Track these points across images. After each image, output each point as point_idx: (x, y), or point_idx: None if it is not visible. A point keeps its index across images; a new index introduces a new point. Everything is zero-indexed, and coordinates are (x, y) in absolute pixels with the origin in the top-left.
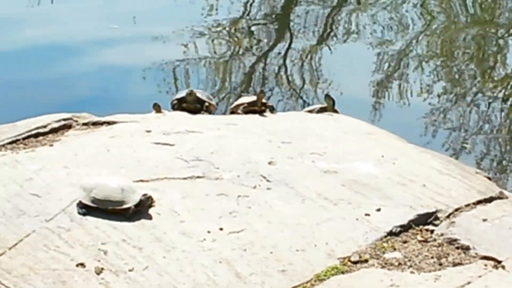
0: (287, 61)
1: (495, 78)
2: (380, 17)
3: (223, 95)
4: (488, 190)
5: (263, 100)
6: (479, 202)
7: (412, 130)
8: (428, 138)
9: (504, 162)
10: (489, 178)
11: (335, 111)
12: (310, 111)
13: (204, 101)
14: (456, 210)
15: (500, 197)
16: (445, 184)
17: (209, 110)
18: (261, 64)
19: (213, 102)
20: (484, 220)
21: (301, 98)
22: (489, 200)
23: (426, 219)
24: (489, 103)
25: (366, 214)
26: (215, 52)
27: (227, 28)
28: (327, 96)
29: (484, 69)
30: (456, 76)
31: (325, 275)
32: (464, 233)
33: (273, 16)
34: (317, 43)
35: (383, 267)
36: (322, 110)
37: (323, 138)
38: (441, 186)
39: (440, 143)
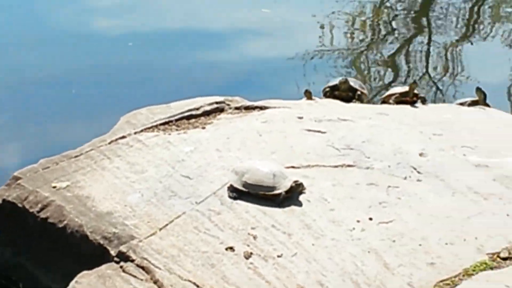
0: (431, 53)
1: None
2: None
3: (369, 83)
4: None
5: (415, 91)
6: None
7: None
8: None
9: None
10: None
11: (487, 105)
12: (461, 104)
13: (357, 90)
14: None
15: None
16: None
17: (361, 98)
18: (406, 56)
19: (365, 91)
20: None
21: (447, 91)
22: None
23: None
24: None
25: None
26: (359, 41)
27: (369, 18)
28: (479, 89)
29: None
30: None
31: (473, 270)
32: None
33: (414, 7)
34: (460, 36)
35: None
36: (473, 103)
37: (475, 131)
38: None
39: None
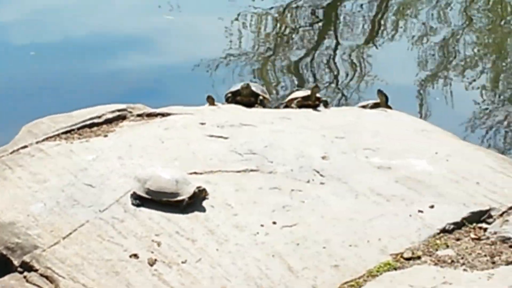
0: (337, 57)
1: None
2: (425, 12)
3: (275, 89)
4: None
5: (317, 95)
6: None
7: (466, 127)
8: (482, 135)
9: None
10: None
11: (389, 107)
12: (363, 107)
13: (259, 95)
14: (510, 208)
15: None
16: (499, 182)
17: (263, 103)
18: (311, 59)
19: (268, 96)
20: None
21: (351, 94)
22: None
23: (479, 217)
24: None
25: (419, 211)
26: (265, 46)
27: (276, 22)
28: (380, 91)
29: None
30: (508, 70)
31: (377, 271)
32: None
33: (319, 12)
34: (364, 40)
35: (435, 264)
36: (375, 105)
37: (377, 133)
38: (495, 184)
39: (495, 140)
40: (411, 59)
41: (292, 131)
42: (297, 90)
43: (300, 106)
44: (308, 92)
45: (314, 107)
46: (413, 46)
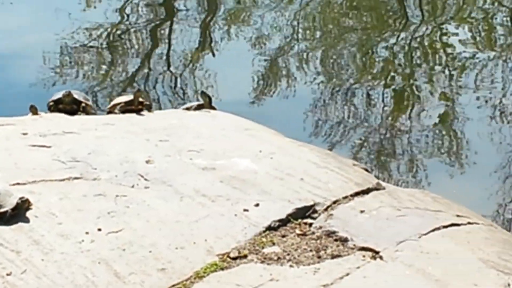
0: (167, 62)
1: (374, 72)
2: (259, 17)
3: (102, 94)
4: (366, 181)
5: (140, 99)
6: (357, 194)
7: (293, 124)
8: (309, 132)
9: (381, 154)
10: (367, 170)
11: (213, 108)
12: (187, 109)
13: (81, 102)
14: (334, 202)
15: (377, 188)
16: (322, 177)
17: (86, 110)
18: (142, 65)
19: (90, 103)
20: (362, 211)
21: (181, 97)
22: (367, 191)
23: (304, 212)
24: (367, 96)
25: (245, 210)
26: (94, 53)
27: (105, 28)
28: (203, 93)
29: (363, 62)
30: (335, 71)
31: (204, 272)
32: (342, 225)
33: (153, 17)
34: (198, 45)
35: (262, 262)
36: (199, 107)
37: (200, 135)
38: (319, 179)
39: (320, 136)
40: (246, 62)
41: (116, 136)
42: (120, 95)
43: (124, 111)
44: (131, 97)
45: (138, 111)
46: (249, 50)
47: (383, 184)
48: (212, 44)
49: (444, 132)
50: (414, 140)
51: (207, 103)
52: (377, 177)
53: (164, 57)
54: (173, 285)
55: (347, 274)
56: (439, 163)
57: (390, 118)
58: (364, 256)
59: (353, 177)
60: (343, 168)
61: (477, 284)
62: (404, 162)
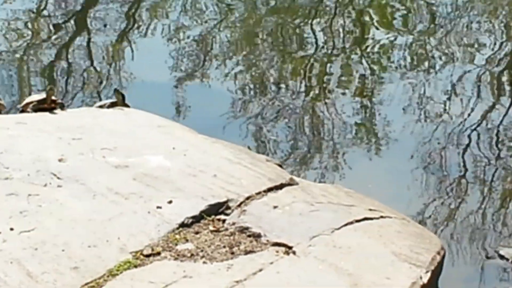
0: (84, 57)
1: (294, 67)
2: (177, 8)
3: (17, 93)
4: (279, 177)
5: (53, 97)
6: (270, 189)
7: (211, 121)
8: (222, 128)
9: (295, 149)
10: (280, 166)
11: (126, 105)
12: (101, 106)
13: None
14: (247, 198)
15: (291, 183)
16: (236, 173)
17: None
18: (57, 61)
19: (3, 102)
20: (275, 207)
21: (98, 94)
22: (280, 187)
23: (218, 209)
24: (286, 92)
25: (158, 207)
26: (9, 46)
27: (23, 21)
28: (116, 90)
29: (283, 57)
30: (255, 66)
31: (117, 270)
32: (255, 221)
33: (72, 10)
34: (116, 38)
35: (175, 259)
36: (112, 105)
37: (114, 133)
38: (232, 176)
39: (234, 132)
40: (167, 56)
41: (29, 135)
42: (33, 93)
43: (36, 110)
44: (43, 95)
45: (51, 110)
46: (168, 43)
47: (297, 179)
48: (132, 37)
49: (359, 126)
50: (329, 135)
51: (120, 101)
52: (291, 173)
53: (83, 51)
54: (86, 284)
55: (261, 270)
56: (353, 158)
57: (304, 113)
58: (277, 252)
59: (266, 172)
60: (256, 164)
61: (389, 277)
62: (318, 157)
